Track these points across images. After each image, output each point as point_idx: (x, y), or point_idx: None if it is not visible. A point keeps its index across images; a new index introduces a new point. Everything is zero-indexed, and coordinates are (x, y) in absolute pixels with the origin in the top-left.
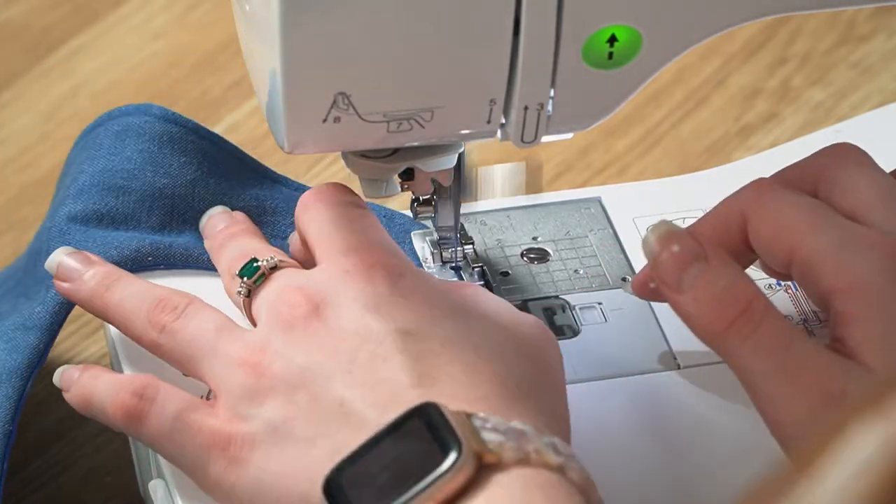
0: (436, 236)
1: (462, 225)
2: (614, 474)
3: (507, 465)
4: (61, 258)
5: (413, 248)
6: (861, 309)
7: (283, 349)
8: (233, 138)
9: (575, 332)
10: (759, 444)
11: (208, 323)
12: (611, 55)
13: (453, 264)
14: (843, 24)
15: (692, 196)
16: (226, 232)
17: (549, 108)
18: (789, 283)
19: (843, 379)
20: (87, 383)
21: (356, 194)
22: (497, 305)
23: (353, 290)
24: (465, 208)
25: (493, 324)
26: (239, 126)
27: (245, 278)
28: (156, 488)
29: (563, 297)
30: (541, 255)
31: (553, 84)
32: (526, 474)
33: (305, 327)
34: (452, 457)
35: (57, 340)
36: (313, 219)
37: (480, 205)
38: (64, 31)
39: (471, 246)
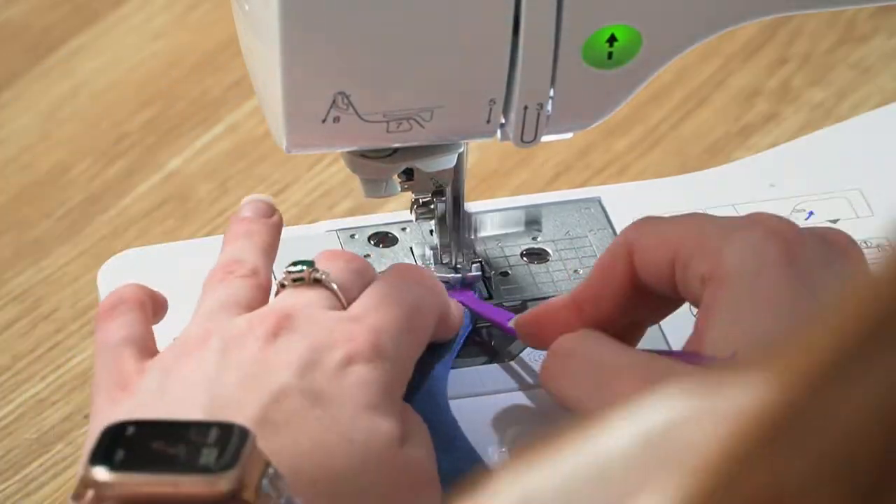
0: (436, 237)
1: (462, 224)
2: None
3: None
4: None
5: (412, 248)
6: (724, 299)
7: (218, 345)
8: (233, 138)
9: None
10: None
11: (224, 295)
12: (611, 55)
13: (452, 265)
14: (843, 24)
15: (692, 196)
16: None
17: (549, 108)
18: None
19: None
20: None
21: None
22: (416, 435)
23: (311, 342)
24: (466, 208)
25: (387, 440)
26: (239, 126)
27: (290, 270)
28: None
29: None
30: (540, 255)
31: (553, 84)
32: None
33: (252, 343)
34: (218, 467)
35: (57, 340)
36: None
37: (481, 204)
38: (64, 31)
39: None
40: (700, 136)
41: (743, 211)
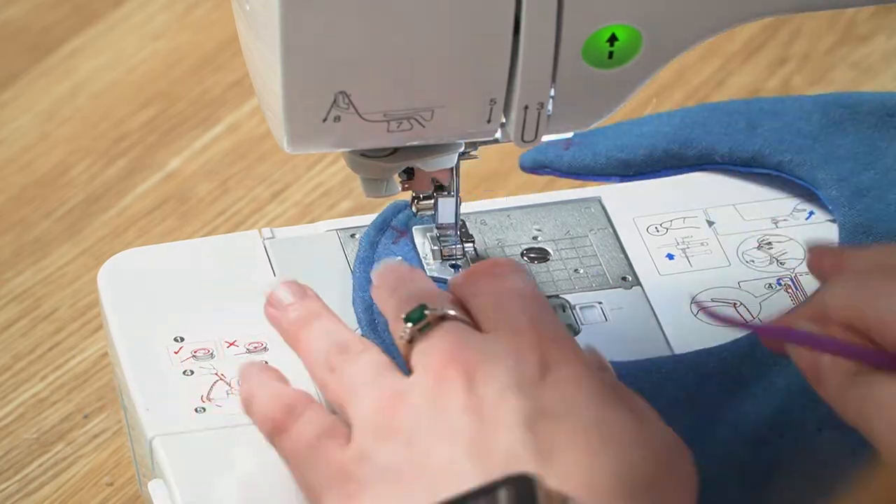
0: (436, 233)
1: (463, 223)
2: None
3: None
4: (276, 287)
5: (414, 243)
6: None
7: (421, 402)
8: (233, 138)
9: (575, 332)
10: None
11: (369, 366)
12: (611, 55)
13: (453, 262)
14: (843, 24)
15: (692, 196)
16: (396, 274)
17: (550, 107)
18: (789, 282)
19: None
20: (252, 387)
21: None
22: (645, 410)
23: (506, 369)
24: (466, 207)
25: (632, 421)
26: (239, 126)
27: (411, 324)
28: (156, 488)
29: (563, 296)
30: (541, 255)
31: (553, 83)
32: None
33: (451, 391)
34: None
35: (57, 340)
36: (489, 290)
37: (480, 204)
38: (64, 31)
39: (471, 244)
40: None
41: (743, 211)
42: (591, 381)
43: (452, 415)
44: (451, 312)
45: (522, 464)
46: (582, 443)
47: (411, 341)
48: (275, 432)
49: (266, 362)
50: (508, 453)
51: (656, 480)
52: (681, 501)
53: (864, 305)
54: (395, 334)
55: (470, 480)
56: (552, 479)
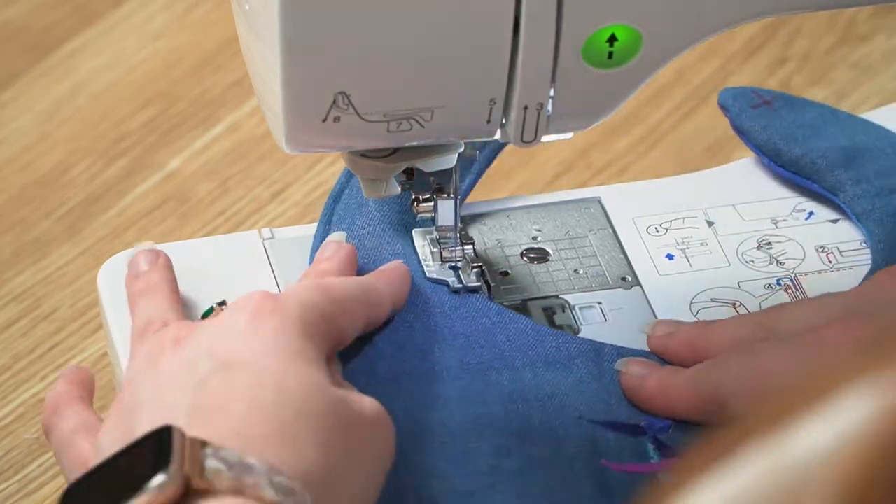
0: (436, 235)
1: (462, 225)
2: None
3: (220, 494)
4: (138, 251)
5: (413, 246)
6: None
7: (144, 363)
8: (233, 138)
9: (575, 332)
10: None
11: (156, 340)
12: (611, 55)
13: (452, 264)
14: (843, 24)
15: (692, 196)
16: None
17: (549, 107)
18: (789, 282)
19: None
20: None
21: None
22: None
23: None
24: (465, 209)
25: (322, 386)
26: (239, 126)
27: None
28: None
29: (562, 296)
30: (541, 255)
31: (553, 84)
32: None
33: (161, 357)
34: (159, 478)
35: (57, 340)
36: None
37: (480, 205)
38: (64, 31)
39: (471, 246)
40: (700, 136)
41: (743, 211)
42: (289, 333)
43: (162, 372)
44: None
45: (180, 418)
46: (250, 397)
47: None
48: (46, 432)
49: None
50: (174, 410)
51: (335, 439)
52: (365, 467)
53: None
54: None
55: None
56: (205, 428)
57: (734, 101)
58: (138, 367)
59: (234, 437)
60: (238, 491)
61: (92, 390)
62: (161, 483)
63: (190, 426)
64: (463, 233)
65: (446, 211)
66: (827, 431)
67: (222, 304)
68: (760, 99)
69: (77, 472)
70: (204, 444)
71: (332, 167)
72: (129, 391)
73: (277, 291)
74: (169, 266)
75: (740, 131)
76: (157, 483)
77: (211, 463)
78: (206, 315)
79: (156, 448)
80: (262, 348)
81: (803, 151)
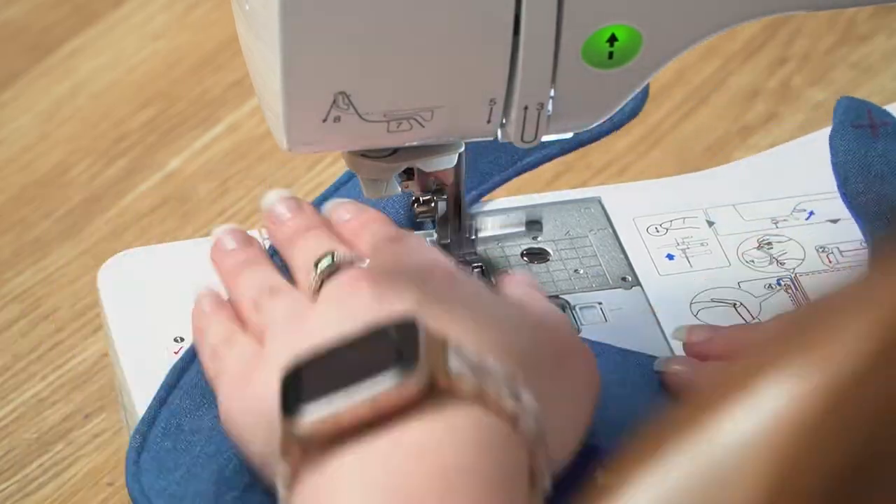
0: (435, 237)
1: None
2: None
3: (461, 397)
4: (222, 233)
5: None
6: None
7: (328, 307)
8: (233, 138)
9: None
10: None
11: (291, 303)
12: (611, 55)
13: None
14: (843, 24)
15: (692, 196)
16: (296, 224)
17: (549, 107)
18: (789, 282)
19: None
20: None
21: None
22: (551, 313)
23: (412, 284)
24: (466, 208)
25: (524, 312)
26: (239, 126)
27: (323, 270)
28: None
29: (563, 297)
30: (541, 255)
31: (553, 83)
32: (474, 412)
33: (359, 297)
34: (402, 370)
35: (57, 340)
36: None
37: (481, 205)
38: (64, 31)
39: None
40: (700, 136)
41: (743, 211)
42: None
43: (357, 311)
44: (355, 260)
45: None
46: (470, 318)
47: (320, 287)
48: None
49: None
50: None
51: (547, 361)
52: (575, 395)
53: None
54: (303, 285)
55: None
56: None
57: (844, 113)
58: (276, 330)
59: (470, 340)
60: (479, 397)
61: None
62: (402, 378)
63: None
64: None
65: (445, 210)
66: (751, 419)
67: (332, 255)
68: (868, 120)
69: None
70: (445, 340)
71: (332, 167)
72: (301, 312)
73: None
74: (261, 247)
75: (830, 145)
76: (397, 376)
77: (454, 363)
78: (320, 267)
79: (396, 337)
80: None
81: (865, 188)
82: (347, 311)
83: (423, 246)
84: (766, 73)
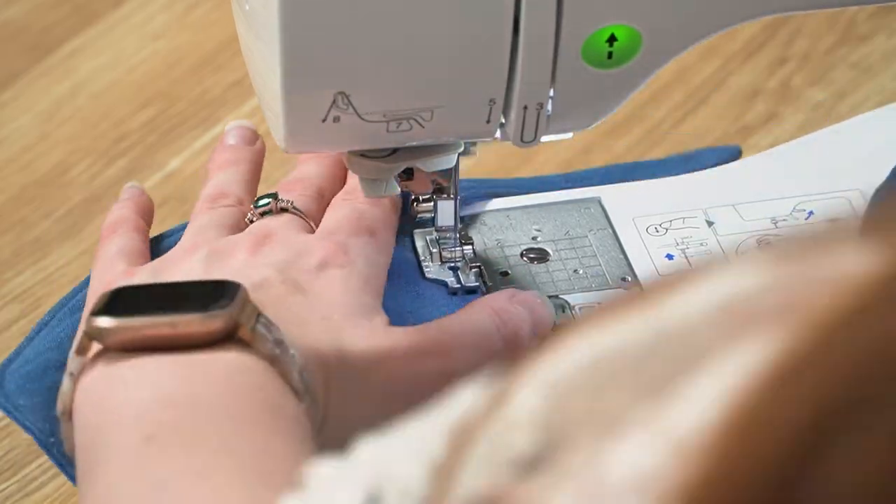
0: (435, 235)
1: (462, 225)
2: None
3: (256, 353)
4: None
5: (414, 246)
6: None
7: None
8: None
9: None
10: None
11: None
12: (610, 55)
13: (452, 264)
14: (843, 24)
15: (692, 196)
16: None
17: (549, 107)
18: None
19: None
20: None
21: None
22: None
23: (288, 250)
24: (465, 209)
25: (376, 331)
26: None
27: (255, 208)
28: None
29: (562, 297)
30: (540, 255)
31: (553, 84)
32: (255, 363)
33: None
34: (212, 307)
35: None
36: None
37: (480, 205)
38: (64, 31)
39: (470, 246)
40: (700, 136)
41: (743, 211)
42: (351, 283)
43: (225, 265)
44: (290, 207)
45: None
46: (301, 312)
47: (251, 222)
48: (100, 239)
49: None
50: (262, 280)
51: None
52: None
53: None
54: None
55: None
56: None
57: None
58: (198, 233)
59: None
60: (272, 361)
61: (150, 219)
62: (212, 315)
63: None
64: (462, 233)
65: (446, 211)
66: (707, 295)
67: (274, 195)
68: None
69: (98, 291)
70: (260, 313)
71: None
72: (182, 252)
73: None
74: (261, 149)
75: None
76: (209, 313)
77: (261, 328)
78: (257, 205)
79: (219, 289)
80: (325, 287)
81: None
82: (216, 266)
83: (368, 251)
84: (766, 73)
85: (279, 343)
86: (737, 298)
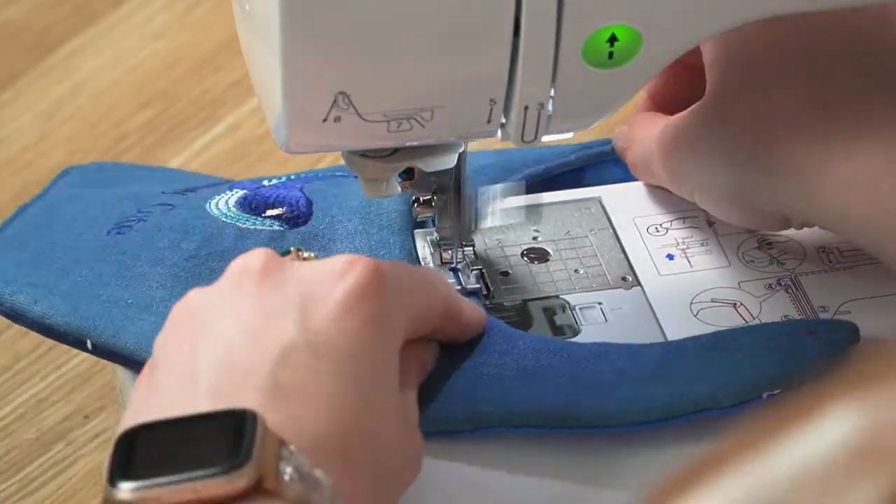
0: (436, 236)
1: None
2: (613, 470)
3: (285, 501)
4: None
5: (415, 246)
6: None
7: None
8: (233, 138)
9: (575, 332)
10: None
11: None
12: (611, 55)
13: (452, 265)
14: None
15: None
16: None
17: (550, 107)
18: (789, 282)
19: None
20: None
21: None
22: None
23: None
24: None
25: (397, 415)
26: (239, 126)
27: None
28: None
29: (563, 297)
30: (541, 255)
31: (553, 84)
32: None
33: (252, 285)
34: (234, 465)
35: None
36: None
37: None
38: (64, 31)
39: (471, 248)
40: None
41: None
42: (365, 341)
43: (243, 306)
44: (308, 255)
45: (256, 393)
46: (327, 391)
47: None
48: None
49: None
50: (251, 376)
51: (381, 452)
52: (400, 483)
53: None
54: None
55: (200, 399)
56: (281, 417)
57: None
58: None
59: (309, 440)
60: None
61: None
62: (235, 476)
63: (267, 407)
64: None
65: (445, 211)
66: (812, 445)
67: (299, 249)
68: None
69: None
70: (282, 443)
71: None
72: (200, 299)
73: None
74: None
75: None
76: (225, 469)
77: (285, 468)
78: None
79: (235, 428)
80: (356, 343)
81: None
82: (235, 308)
83: (387, 312)
84: None
85: (306, 477)
86: (851, 442)
